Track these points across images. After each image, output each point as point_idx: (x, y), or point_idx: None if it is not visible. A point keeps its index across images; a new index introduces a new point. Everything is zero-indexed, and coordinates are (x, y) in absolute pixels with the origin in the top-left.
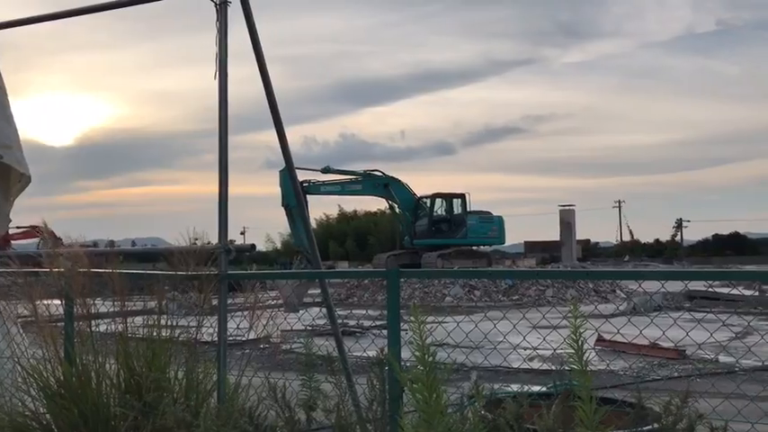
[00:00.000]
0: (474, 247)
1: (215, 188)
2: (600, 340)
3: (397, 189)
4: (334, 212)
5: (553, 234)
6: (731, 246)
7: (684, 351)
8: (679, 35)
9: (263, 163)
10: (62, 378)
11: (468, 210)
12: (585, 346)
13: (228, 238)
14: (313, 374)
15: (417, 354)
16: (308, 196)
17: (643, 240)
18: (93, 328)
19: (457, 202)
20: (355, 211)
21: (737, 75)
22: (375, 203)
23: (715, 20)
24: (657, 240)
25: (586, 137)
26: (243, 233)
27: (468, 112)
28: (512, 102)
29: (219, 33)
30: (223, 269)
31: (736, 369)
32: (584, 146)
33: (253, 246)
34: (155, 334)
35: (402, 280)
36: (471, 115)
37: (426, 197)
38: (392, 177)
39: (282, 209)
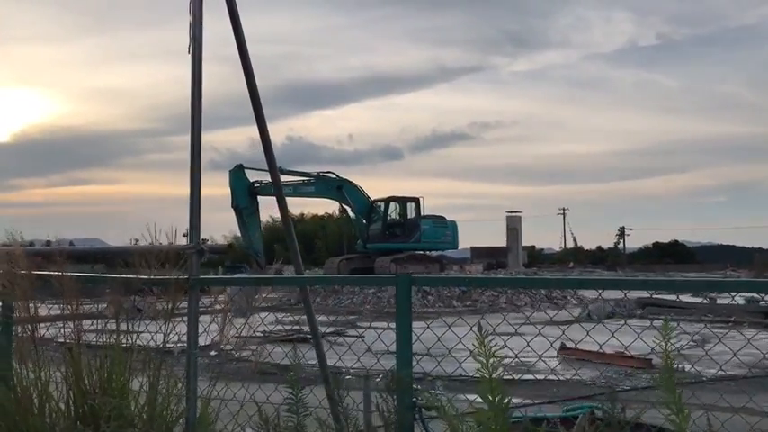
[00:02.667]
0: (427, 252)
1: (157, 188)
2: (563, 349)
3: (351, 192)
4: (279, 215)
5: (498, 240)
6: (671, 254)
7: (651, 360)
8: (622, 48)
9: (206, 163)
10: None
11: (421, 214)
12: (549, 355)
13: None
14: (299, 392)
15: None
16: (258, 198)
17: (586, 247)
18: (35, 340)
19: (411, 206)
20: (302, 214)
21: (676, 88)
22: (322, 206)
23: (655, 33)
24: (599, 247)
25: (531, 145)
26: (186, 235)
27: (416, 117)
28: (459, 108)
29: (193, 5)
30: (194, 272)
31: (704, 378)
32: (528, 153)
33: (230, 245)
34: (111, 343)
35: (415, 286)
36: (419, 121)
37: (380, 201)
38: (346, 180)
39: (231, 210)
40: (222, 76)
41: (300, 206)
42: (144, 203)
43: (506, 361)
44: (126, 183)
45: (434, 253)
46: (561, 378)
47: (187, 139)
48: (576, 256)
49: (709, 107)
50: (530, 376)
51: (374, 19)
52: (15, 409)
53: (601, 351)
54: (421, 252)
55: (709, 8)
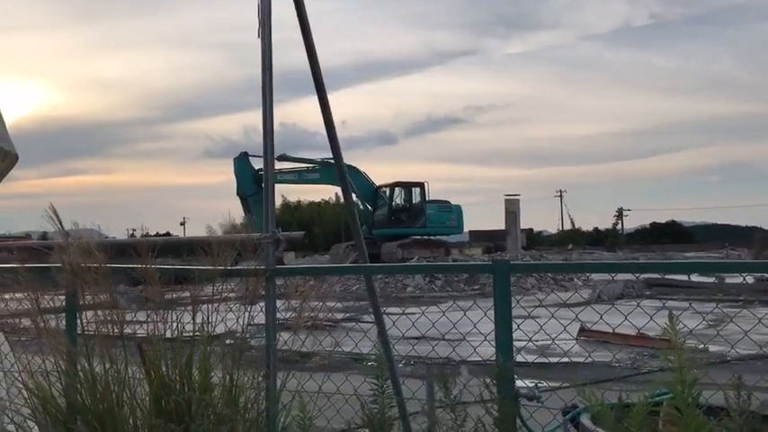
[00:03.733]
0: (432, 237)
1: (151, 177)
2: (583, 330)
3: (356, 178)
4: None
5: (495, 223)
6: (668, 234)
7: (652, 338)
8: (616, 28)
9: (201, 152)
10: (83, 400)
11: (426, 199)
12: (567, 337)
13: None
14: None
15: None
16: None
17: (583, 229)
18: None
19: (416, 191)
20: (299, 201)
21: (671, 67)
22: (318, 193)
23: (648, 13)
24: (596, 229)
25: (527, 127)
26: (183, 224)
27: (409, 102)
28: (453, 92)
29: None
30: (271, 262)
31: (728, 358)
32: (524, 136)
33: (304, 234)
34: (188, 334)
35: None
36: (413, 105)
37: (385, 186)
38: (350, 166)
39: (227, 198)
40: (215, 63)
41: (297, 193)
42: (138, 193)
43: (521, 344)
44: (120, 172)
45: (442, 237)
46: (587, 361)
47: (177, 127)
48: (574, 238)
49: (703, 86)
50: (553, 359)
51: (365, 3)
52: (97, 405)
53: (620, 332)
54: (426, 237)
55: None
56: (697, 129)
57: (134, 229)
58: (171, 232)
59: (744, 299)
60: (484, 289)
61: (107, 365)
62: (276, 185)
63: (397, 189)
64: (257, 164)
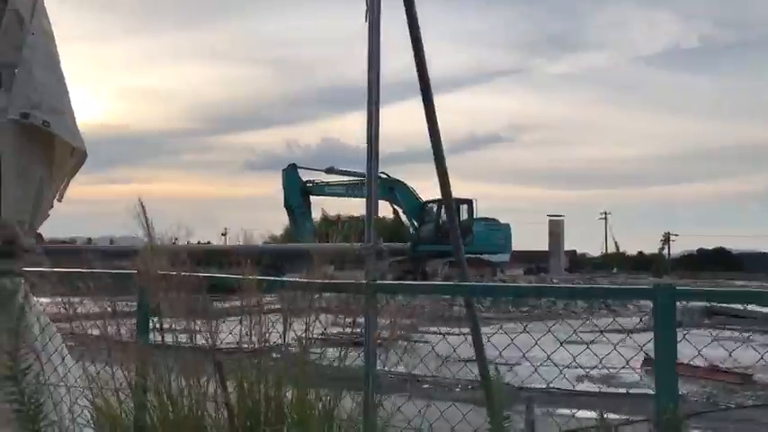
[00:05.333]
0: (479, 256)
1: (193, 188)
2: (648, 359)
3: (403, 193)
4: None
5: (537, 244)
6: (715, 261)
7: (751, 376)
8: (664, 50)
9: (242, 164)
10: (153, 423)
11: (474, 216)
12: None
13: None
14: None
15: None
16: (311, 197)
17: (627, 252)
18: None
19: (464, 208)
20: (339, 216)
21: (719, 92)
22: (356, 208)
23: (698, 35)
24: (641, 253)
25: (570, 148)
26: (224, 234)
27: (452, 119)
28: (496, 110)
29: None
30: (372, 275)
31: None
32: (567, 157)
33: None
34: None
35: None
36: (456, 123)
37: (432, 202)
38: (397, 180)
39: (271, 210)
40: (258, 78)
41: (338, 207)
42: (178, 203)
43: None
44: (161, 182)
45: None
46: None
47: (218, 139)
48: (618, 261)
49: (752, 112)
50: (620, 389)
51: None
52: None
53: (691, 364)
54: (474, 255)
55: (753, 10)
56: (746, 155)
57: (176, 239)
58: (212, 242)
59: None
60: (532, 312)
61: (186, 383)
62: (322, 198)
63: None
64: (305, 176)
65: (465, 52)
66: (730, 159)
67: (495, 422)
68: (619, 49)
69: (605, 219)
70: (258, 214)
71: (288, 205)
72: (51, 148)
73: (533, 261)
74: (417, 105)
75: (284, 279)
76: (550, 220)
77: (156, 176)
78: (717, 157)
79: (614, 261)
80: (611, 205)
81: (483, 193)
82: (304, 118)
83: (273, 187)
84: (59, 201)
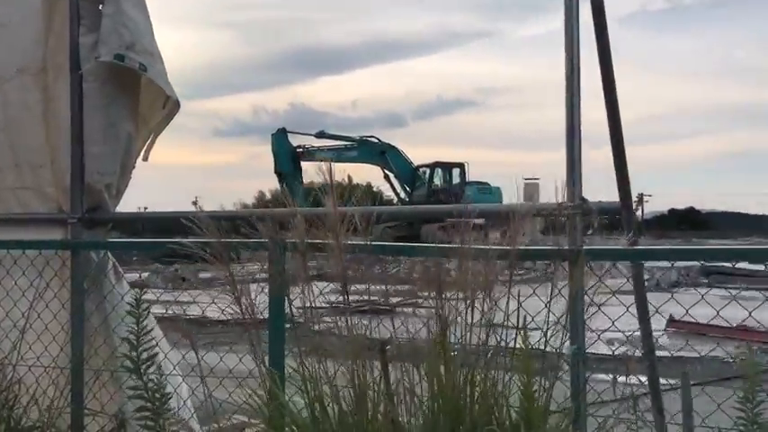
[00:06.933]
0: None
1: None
2: (673, 321)
3: (395, 157)
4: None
5: None
6: (686, 221)
7: None
8: (632, 12)
9: (210, 132)
10: None
11: (466, 180)
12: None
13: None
14: None
15: None
16: (302, 163)
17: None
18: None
19: (456, 172)
20: (312, 182)
21: (687, 52)
22: (340, 174)
23: None
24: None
25: (540, 111)
26: (195, 203)
27: (421, 83)
28: (465, 74)
29: None
30: (578, 241)
31: None
32: (537, 120)
33: (622, 204)
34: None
35: None
36: (424, 87)
37: (425, 166)
38: (389, 144)
39: (239, 179)
40: (221, 42)
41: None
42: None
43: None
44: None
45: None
46: (696, 355)
47: (187, 106)
48: (591, 222)
49: (721, 72)
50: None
51: None
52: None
53: (715, 324)
54: (465, 219)
55: None
56: (715, 115)
57: (145, 207)
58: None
59: None
60: (529, 273)
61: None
62: (312, 163)
63: (436, 169)
64: (295, 141)
65: (434, 16)
66: (698, 120)
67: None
68: (589, 10)
69: (579, 181)
70: (229, 183)
71: (278, 171)
72: (137, 97)
73: (508, 223)
74: (385, 71)
75: (470, 246)
76: (526, 183)
77: None
78: (685, 118)
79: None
80: (584, 167)
81: (453, 156)
82: (271, 83)
83: (243, 154)
84: (145, 160)
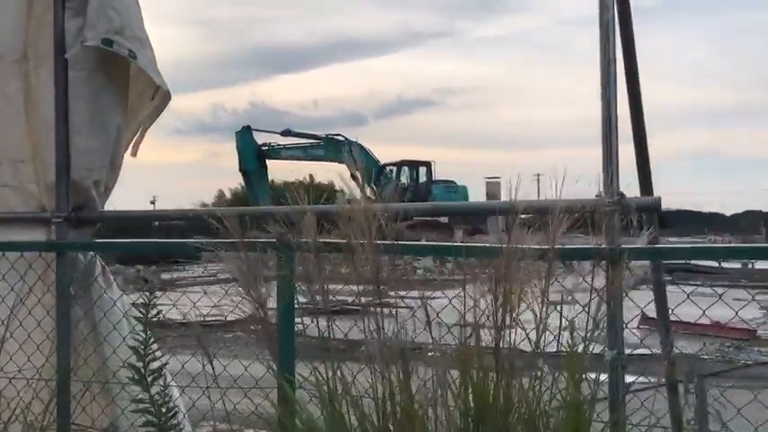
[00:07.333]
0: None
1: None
2: (646, 319)
3: (360, 155)
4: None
5: None
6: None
7: (755, 331)
8: (588, 13)
9: (171, 130)
10: None
11: (433, 178)
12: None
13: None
14: None
15: None
16: (268, 161)
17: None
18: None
19: (422, 171)
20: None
21: (643, 53)
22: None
23: None
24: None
25: (499, 110)
26: (153, 202)
27: (381, 82)
28: (425, 74)
29: None
30: (616, 240)
31: None
32: (497, 119)
33: (658, 201)
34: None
35: None
36: (385, 86)
37: (391, 164)
38: (355, 142)
39: (212, 176)
40: (183, 40)
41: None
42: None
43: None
44: None
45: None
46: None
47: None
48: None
49: (676, 73)
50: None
51: None
52: None
53: (691, 322)
54: (432, 218)
55: None
56: (669, 115)
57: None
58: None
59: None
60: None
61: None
62: (281, 161)
63: (404, 167)
64: (260, 139)
65: (394, 15)
66: (656, 119)
67: None
68: (544, 12)
69: (538, 180)
70: (189, 183)
71: (243, 169)
72: (126, 87)
73: (469, 223)
74: (346, 70)
75: (490, 245)
76: (488, 182)
77: None
78: (649, 118)
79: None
80: (543, 166)
81: (414, 155)
82: (231, 81)
83: (203, 153)
84: (133, 156)
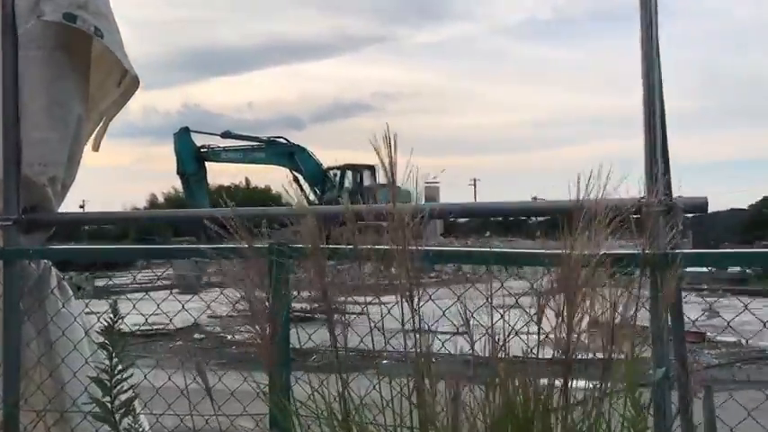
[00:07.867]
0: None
1: None
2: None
3: (304, 159)
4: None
5: None
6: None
7: (704, 334)
8: (522, 21)
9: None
10: None
11: (377, 182)
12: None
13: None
14: None
15: None
16: (206, 164)
17: (495, 217)
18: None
19: (367, 174)
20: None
21: (574, 62)
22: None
23: (551, 6)
24: (507, 217)
25: (436, 116)
26: (82, 206)
27: (318, 86)
28: (362, 79)
29: None
30: (663, 244)
31: None
32: (433, 125)
33: (705, 201)
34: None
35: None
36: (321, 90)
37: (335, 168)
38: (298, 146)
39: (142, 181)
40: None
41: (223, 177)
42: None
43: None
44: None
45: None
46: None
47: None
48: (486, 225)
49: (609, 81)
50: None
51: None
52: None
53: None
54: (376, 222)
55: None
56: (598, 123)
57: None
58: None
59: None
60: (440, 276)
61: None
62: (220, 164)
63: (348, 171)
64: (199, 141)
65: (330, 20)
66: (589, 126)
67: None
68: (481, 20)
69: (474, 185)
70: (118, 185)
71: (181, 171)
72: (88, 72)
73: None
74: (281, 73)
75: (539, 251)
76: (426, 186)
77: None
78: (573, 125)
79: (484, 226)
80: (478, 172)
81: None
82: (163, 83)
83: (133, 156)
84: (95, 150)
